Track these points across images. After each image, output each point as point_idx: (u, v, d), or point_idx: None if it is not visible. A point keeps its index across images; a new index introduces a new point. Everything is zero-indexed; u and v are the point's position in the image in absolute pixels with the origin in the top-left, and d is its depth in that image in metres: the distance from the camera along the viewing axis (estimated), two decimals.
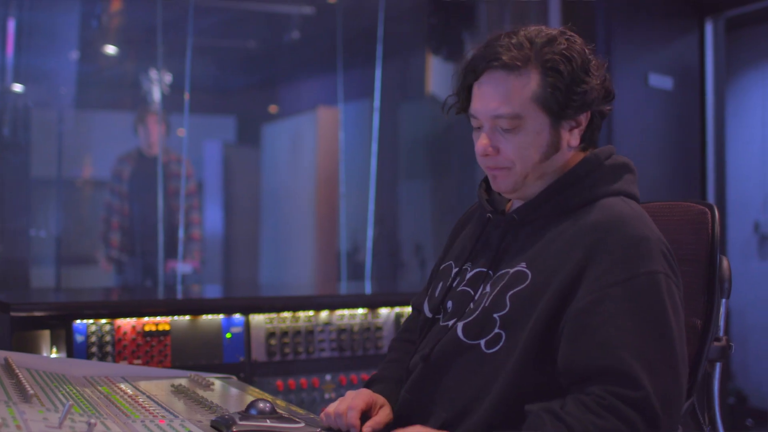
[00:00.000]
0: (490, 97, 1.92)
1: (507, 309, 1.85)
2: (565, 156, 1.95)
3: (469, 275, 2.04)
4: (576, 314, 1.75)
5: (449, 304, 2.04)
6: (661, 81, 5.47)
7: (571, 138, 1.93)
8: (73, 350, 3.00)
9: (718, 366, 2.23)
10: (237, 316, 3.30)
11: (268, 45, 8.49)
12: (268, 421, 1.80)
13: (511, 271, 1.90)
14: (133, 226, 6.58)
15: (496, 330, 1.86)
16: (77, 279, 6.70)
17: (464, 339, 1.91)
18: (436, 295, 2.11)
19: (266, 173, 8.50)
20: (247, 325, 3.31)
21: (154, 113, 6.64)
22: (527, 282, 1.85)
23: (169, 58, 6.87)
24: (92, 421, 1.56)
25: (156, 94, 7.00)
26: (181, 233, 6.44)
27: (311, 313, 3.43)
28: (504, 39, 1.94)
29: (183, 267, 6.61)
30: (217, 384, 2.45)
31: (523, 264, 1.89)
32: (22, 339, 2.99)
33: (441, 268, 2.17)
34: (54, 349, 3.01)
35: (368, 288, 5.31)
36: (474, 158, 2.01)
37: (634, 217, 1.85)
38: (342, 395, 2.07)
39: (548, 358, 1.79)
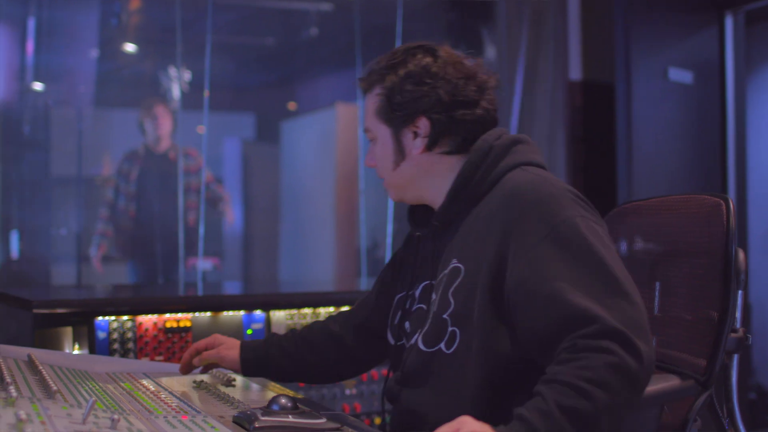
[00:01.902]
0: None
1: (452, 306, 1.93)
2: (419, 161, 2.07)
3: (418, 293, 2.14)
4: (515, 286, 1.81)
5: (407, 325, 2.14)
6: (681, 75, 5.45)
7: (413, 145, 2.07)
8: (95, 347, 3.01)
9: (735, 358, 2.23)
10: (258, 313, 3.30)
11: (286, 42, 8.50)
12: (290, 416, 1.80)
13: (447, 270, 1.97)
14: (139, 228, 6.49)
15: (450, 329, 1.93)
16: (98, 276, 6.72)
17: (426, 349, 1.98)
18: (396, 322, 2.20)
19: (285, 170, 8.50)
20: (267, 321, 3.31)
21: (162, 104, 6.56)
22: (462, 275, 1.93)
23: (188, 56, 6.90)
24: (115, 417, 1.57)
25: (175, 92, 7.01)
26: (201, 230, 6.43)
27: (332, 309, 3.43)
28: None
29: (204, 264, 6.61)
30: (239, 380, 2.45)
31: (455, 260, 1.97)
32: (44, 336, 3.01)
33: (397, 299, 2.24)
34: (76, 346, 3.02)
35: None
36: None
37: (535, 181, 1.92)
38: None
39: (506, 336, 1.85)
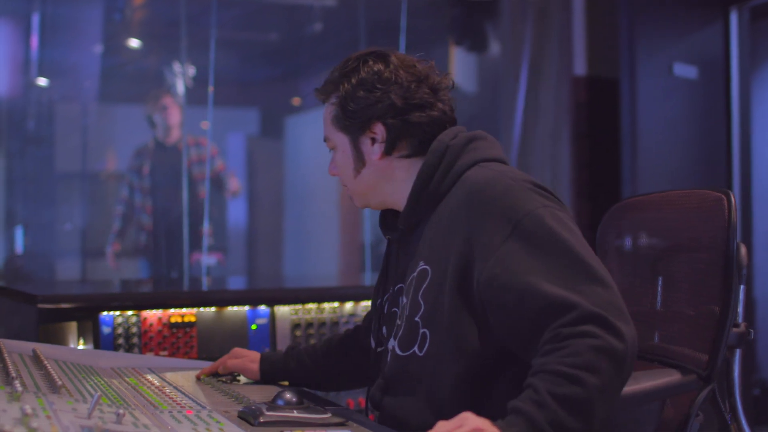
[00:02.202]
0: None
1: (423, 308, 1.94)
2: (379, 167, 2.10)
3: (391, 296, 2.16)
4: (487, 285, 1.81)
5: (384, 329, 2.17)
6: (686, 71, 5.45)
7: (372, 151, 2.09)
8: (99, 342, 3.02)
9: (737, 352, 2.24)
10: (262, 308, 3.31)
11: (290, 37, 8.49)
12: (294, 411, 1.81)
13: (415, 273, 1.99)
14: (157, 222, 6.45)
15: (421, 331, 1.94)
16: (104, 271, 6.73)
17: (401, 353, 1.99)
18: (374, 328, 2.23)
19: (290, 165, 8.50)
20: (272, 316, 3.32)
21: (169, 95, 6.52)
22: (430, 276, 1.94)
23: (192, 51, 6.89)
24: (121, 411, 1.58)
25: (180, 87, 7.00)
26: (206, 224, 6.42)
27: (336, 304, 3.44)
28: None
29: (208, 259, 6.60)
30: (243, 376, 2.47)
31: (422, 262, 1.98)
32: (48, 331, 3.02)
33: (378, 304, 2.26)
34: (81, 341, 3.03)
35: None
36: None
37: (493, 177, 1.93)
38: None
39: (476, 333, 1.87)
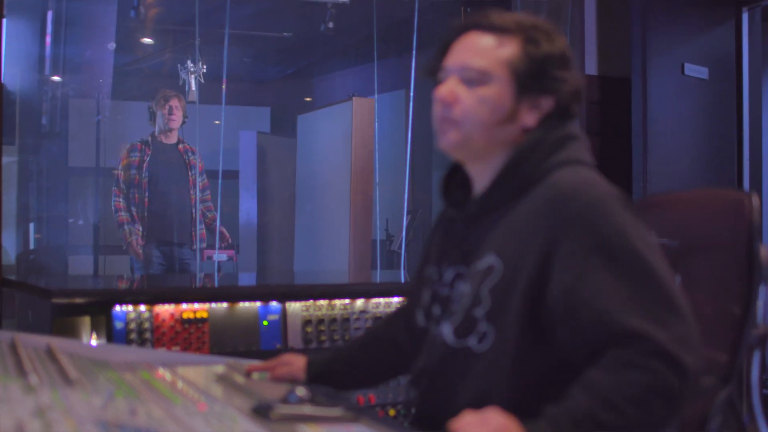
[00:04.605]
0: (467, 50, 1.97)
1: (487, 304, 1.85)
2: (516, 136, 1.95)
3: (447, 276, 2.05)
4: (563, 296, 1.73)
5: (436, 309, 2.07)
6: (697, 70, 5.45)
7: (528, 117, 1.94)
8: (112, 336, 3.03)
9: (756, 354, 2.23)
10: (274, 304, 3.32)
11: (303, 35, 8.51)
12: (307, 407, 1.82)
13: (483, 264, 1.89)
14: (152, 218, 6.32)
15: (482, 327, 1.86)
16: (114, 267, 6.74)
17: (453, 343, 1.91)
18: (424, 303, 2.13)
19: (301, 163, 8.52)
20: (283, 312, 3.33)
21: (177, 97, 6.43)
22: (501, 272, 1.84)
23: (205, 49, 6.91)
24: (134, 405, 1.59)
25: (192, 85, 7.01)
26: (218, 222, 6.43)
27: (347, 301, 3.45)
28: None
29: (219, 256, 6.61)
30: None
31: (493, 255, 1.87)
32: (62, 325, 3.04)
33: (426, 278, 2.16)
34: (94, 336, 3.05)
35: (403, 276, 5.32)
36: None
37: (582, 185, 1.83)
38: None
39: (541, 340, 1.79)
